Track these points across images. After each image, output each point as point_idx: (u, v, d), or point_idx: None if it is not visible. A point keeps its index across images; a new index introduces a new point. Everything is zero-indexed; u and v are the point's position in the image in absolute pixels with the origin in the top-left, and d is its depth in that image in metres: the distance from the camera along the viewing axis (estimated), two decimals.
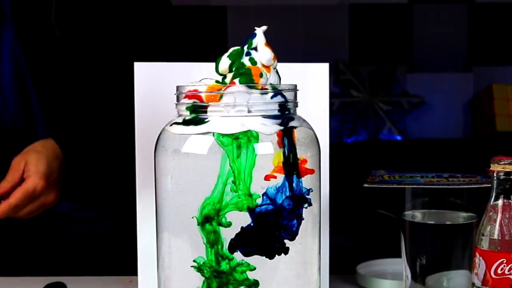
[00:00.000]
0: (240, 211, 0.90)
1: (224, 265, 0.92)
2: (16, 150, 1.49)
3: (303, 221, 0.93)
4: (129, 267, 1.28)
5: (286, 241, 0.93)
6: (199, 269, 0.92)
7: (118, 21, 1.55)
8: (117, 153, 1.47)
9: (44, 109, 1.52)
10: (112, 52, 1.55)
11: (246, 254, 0.92)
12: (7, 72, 1.54)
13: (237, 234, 0.91)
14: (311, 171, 0.95)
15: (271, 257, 0.92)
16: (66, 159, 1.46)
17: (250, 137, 0.90)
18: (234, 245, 0.92)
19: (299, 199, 0.93)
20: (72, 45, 1.50)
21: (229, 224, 0.91)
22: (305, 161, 0.93)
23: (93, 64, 1.54)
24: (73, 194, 1.53)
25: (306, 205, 0.94)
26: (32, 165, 1.40)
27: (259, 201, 0.90)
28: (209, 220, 0.91)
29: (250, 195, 0.90)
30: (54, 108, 1.53)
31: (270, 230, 0.92)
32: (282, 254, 0.92)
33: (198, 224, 0.91)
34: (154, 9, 1.64)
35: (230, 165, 0.89)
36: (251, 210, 0.90)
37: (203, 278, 0.92)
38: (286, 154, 0.91)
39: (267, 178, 0.90)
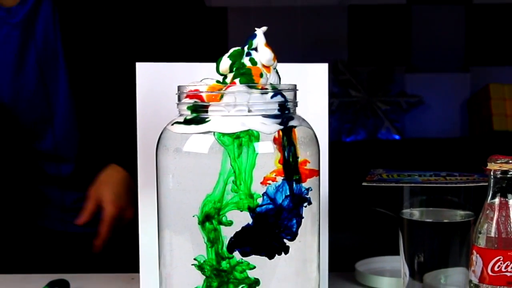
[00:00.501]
0: (241, 211, 0.90)
1: (224, 264, 0.92)
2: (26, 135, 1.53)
3: (302, 220, 0.93)
4: (131, 265, 1.28)
5: (285, 240, 0.93)
6: (200, 267, 0.92)
7: (134, 16, 1.57)
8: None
9: (73, 85, 1.56)
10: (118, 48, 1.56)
11: (244, 254, 0.92)
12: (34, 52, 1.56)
13: (236, 234, 0.91)
14: (315, 173, 0.95)
15: (271, 256, 0.92)
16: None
17: (251, 136, 0.90)
18: (233, 245, 0.92)
19: (299, 198, 0.93)
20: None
21: (229, 223, 0.90)
22: (306, 162, 0.93)
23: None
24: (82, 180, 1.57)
25: (305, 204, 0.94)
26: (104, 196, 1.57)
27: (259, 200, 0.90)
28: (210, 219, 0.91)
29: (251, 195, 0.90)
30: (82, 85, 1.58)
31: (270, 230, 0.92)
32: (282, 253, 0.92)
33: (198, 223, 0.91)
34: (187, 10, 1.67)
35: (231, 165, 0.89)
36: (251, 210, 0.90)
37: (204, 277, 0.92)
38: (286, 153, 0.91)
39: (264, 182, 0.90)
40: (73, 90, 1.57)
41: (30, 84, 1.56)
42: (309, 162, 0.94)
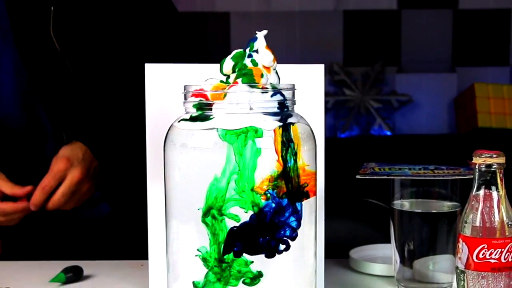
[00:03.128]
0: (246, 212, 0.90)
1: (226, 257, 0.91)
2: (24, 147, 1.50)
3: (301, 217, 0.94)
4: (141, 252, 1.28)
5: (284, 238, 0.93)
6: (203, 259, 0.92)
7: (122, 28, 1.54)
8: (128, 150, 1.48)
9: (50, 117, 1.53)
10: (117, 58, 1.54)
11: (237, 255, 0.91)
12: (8, 85, 1.52)
13: (235, 233, 0.91)
14: (314, 193, 0.95)
15: (271, 255, 0.92)
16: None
17: (254, 132, 0.90)
18: (231, 244, 0.91)
19: (298, 194, 0.93)
20: (72, 56, 1.50)
21: (231, 217, 0.90)
22: (304, 166, 0.93)
23: (97, 71, 1.53)
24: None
25: (303, 198, 0.94)
26: (73, 161, 1.46)
27: (262, 199, 0.90)
28: (212, 212, 0.90)
29: (253, 191, 0.90)
30: (60, 117, 1.53)
31: (271, 228, 0.91)
32: (283, 250, 0.93)
33: (202, 216, 0.91)
34: (160, 16, 1.63)
35: (236, 161, 0.89)
36: (254, 209, 0.90)
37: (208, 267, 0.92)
38: (284, 149, 0.91)
39: (260, 189, 0.90)
40: (48, 115, 1.53)
41: (14, 113, 1.53)
42: (307, 165, 0.94)
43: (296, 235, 0.93)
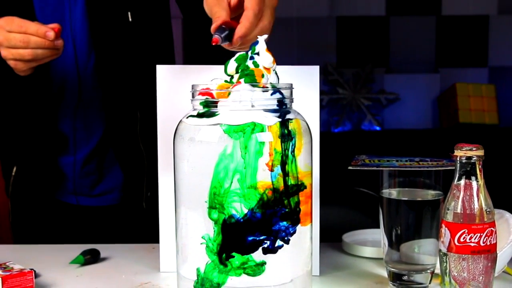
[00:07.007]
0: (254, 213, 0.90)
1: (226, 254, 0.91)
2: None
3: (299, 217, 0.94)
4: (152, 236, 1.28)
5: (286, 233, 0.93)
6: (208, 246, 0.92)
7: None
8: None
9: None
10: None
11: (228, 256, 0.91)
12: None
13: (233, 227, 0.91)
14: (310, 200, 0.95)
15: (272, 251, 0.92)
16: None
17: (255, 128, 0.90)
18: (230, 243, 0.91)
19: (296, 186, 0.93)
20: None
21: (233, 209, 0.90)
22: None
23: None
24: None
25: (301, 189, 0.94)
26: None
27: (261, 196, 0.90)
28: (216, 203, 0.90)
29: (255, 187, 0.90)
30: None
31: (269, 224, 0.91)
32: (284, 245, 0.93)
33: (208, 208, 0.91)
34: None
35: (241, 156, 0.89)
36: (254, 202, 0.90)
37: (212, 253, 0.92)
38: (283, 143, 0.91)
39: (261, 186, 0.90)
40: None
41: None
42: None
43: (295, 231, 0.93)
